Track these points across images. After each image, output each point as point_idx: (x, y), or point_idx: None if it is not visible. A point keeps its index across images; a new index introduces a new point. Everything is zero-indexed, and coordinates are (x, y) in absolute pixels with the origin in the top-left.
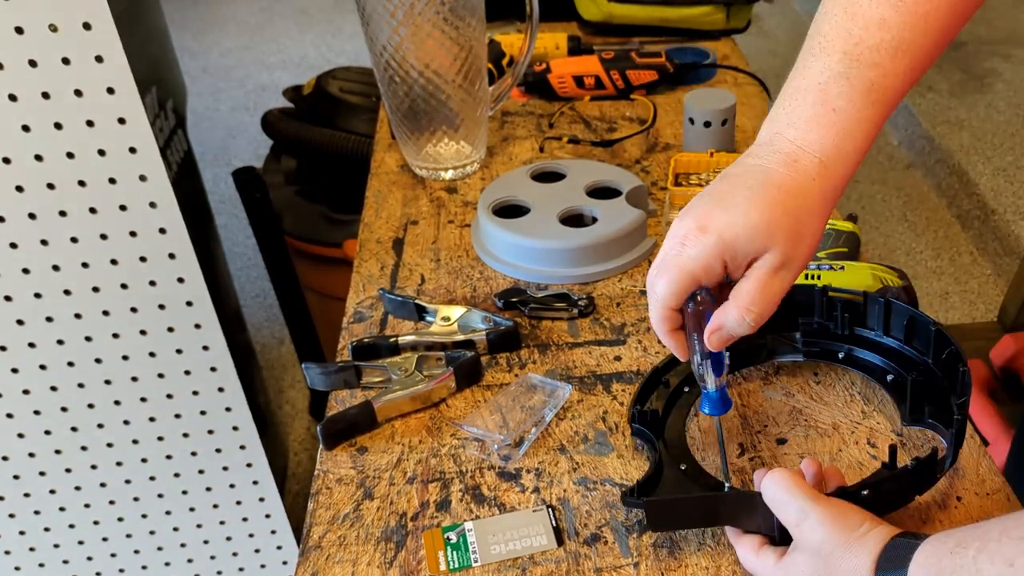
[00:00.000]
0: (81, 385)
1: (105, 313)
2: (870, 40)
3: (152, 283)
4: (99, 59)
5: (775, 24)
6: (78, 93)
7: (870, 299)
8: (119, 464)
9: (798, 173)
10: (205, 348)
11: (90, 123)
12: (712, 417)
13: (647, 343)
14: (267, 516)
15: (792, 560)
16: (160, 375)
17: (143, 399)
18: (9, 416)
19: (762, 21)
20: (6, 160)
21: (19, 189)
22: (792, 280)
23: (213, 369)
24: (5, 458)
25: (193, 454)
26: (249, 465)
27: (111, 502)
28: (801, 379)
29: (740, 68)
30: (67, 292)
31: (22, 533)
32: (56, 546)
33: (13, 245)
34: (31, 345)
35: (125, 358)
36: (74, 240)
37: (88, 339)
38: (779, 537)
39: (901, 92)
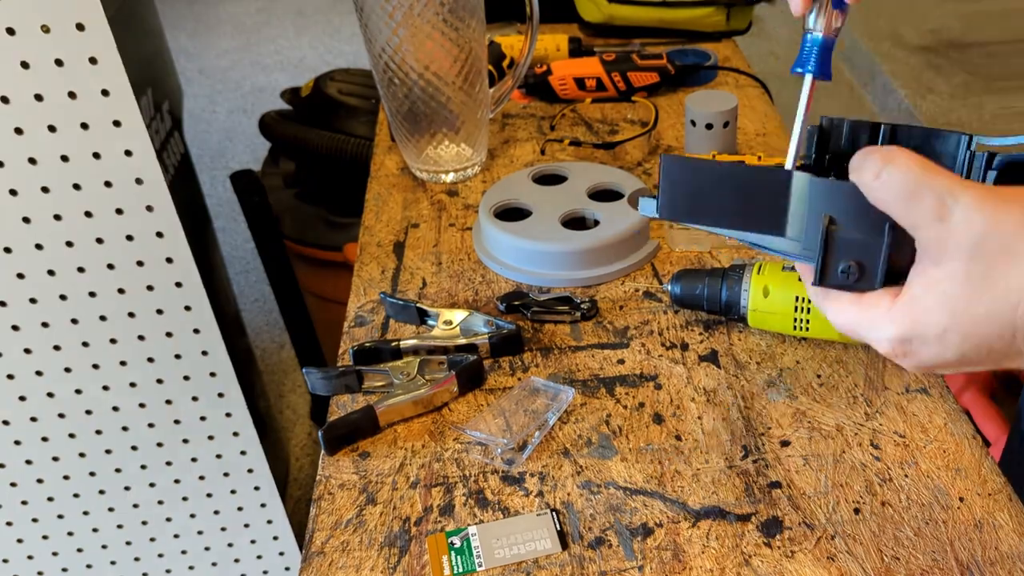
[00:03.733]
0: (78, 391)
1: (102, 318)
2: None
3: (150, 287)
4: (93, 60)
5: (776, 26)
6: (72, 95)
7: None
8: (118, 471)
9: None
10: (204, 353)
11: (84, 126)
12: (804, 79)
13: (650, 346)
14: (269, 522)
15: (927, 282)
16: (159, 380)
17: (141, 405)
18: (5, 423)
19: (763, 23)
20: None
21: (13, 193)
22: None
23: (212, 374)
24: (1, 465)
25: (193, 460)
26: (250, 471)
27: (110, 509)
28: (804, 381)
29: (741, 70)
30: (63, 297)
31: (20, 541)
32: (55, 554)
33: (7, 250)
34: (27, 351)
35: (123, 363)
36: (69, 244)
37: (85, 344)
38: (822, 267)
39: None
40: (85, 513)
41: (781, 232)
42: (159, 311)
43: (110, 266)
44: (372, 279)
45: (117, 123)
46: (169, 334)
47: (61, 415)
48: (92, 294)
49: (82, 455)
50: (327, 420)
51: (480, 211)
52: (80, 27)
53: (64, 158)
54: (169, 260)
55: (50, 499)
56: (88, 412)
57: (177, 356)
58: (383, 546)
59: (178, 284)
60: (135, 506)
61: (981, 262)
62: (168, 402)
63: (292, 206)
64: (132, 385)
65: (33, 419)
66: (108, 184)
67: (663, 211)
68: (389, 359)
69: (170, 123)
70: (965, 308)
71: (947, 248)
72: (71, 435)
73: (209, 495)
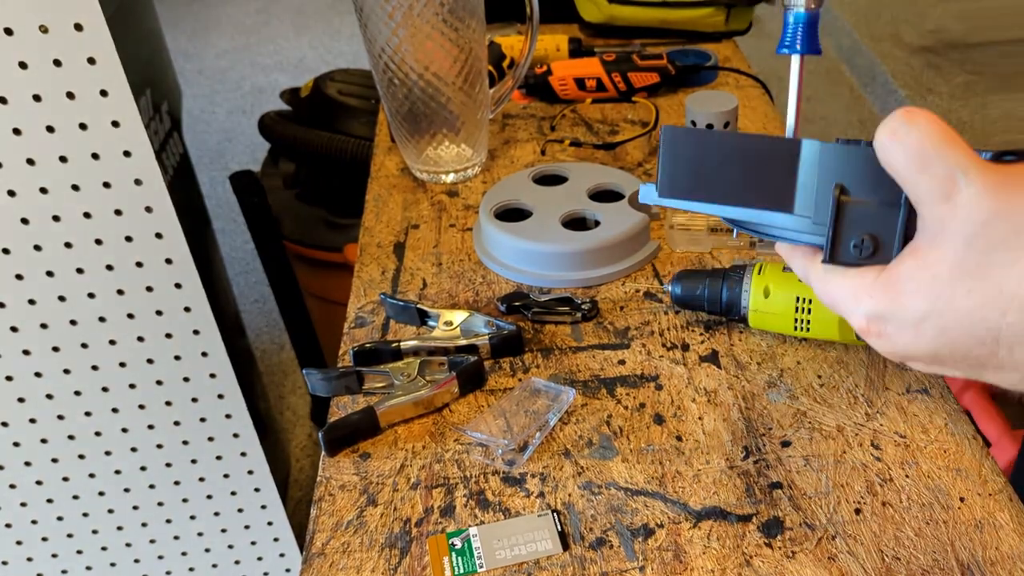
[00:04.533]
0: (78, 393)
1: (101, 319)
2: None
3: (149, 289)
4: (91, 61)
5: (777, 26)
6: (70, 96)
7: None
8: (117, 472)
9: None
10: (204, 354)
11: (83, 126)
12: (791, 59)
13: (651, 347)
14: (269, 524)
15: (917, 262)
16: (158, 382)
17: (141, 406)
18: (4, 424)
19: (763, 23)
20: None
21: (11, 194)
22: None
23: (212, 375)
24: (1, 467)
25: (193, 461)
26: (250, 472)
27: (110, 511)
28: (805, 381)
29: (742, 70)
30: (62, 298)
31: (19, 543)
32: (54, 556)
33: (6, 251)
34: (26, 352)
35: (122, 365)
36: (68, 245)
37: (84, 346)
38: (832, 241)
39: None
40: (85, 515)
41: (789, 208)
42: (158, 312)
43: (109, 267)
44: (372, 280)
45: (116, 124)
46: (169, 335)
47: (60, 417)
48: (91, 295)
49: (81, 457)
50: (327, 421)
51: (480, 212)
52: (78, 27)
53: (63, 159)
54: (168, 261)
55: (49, 501)
56: (87, 414)
57: (177, 357)
58: (384, 547)
59: (177, 285)
60: (135, 508)
61: (978, 252)
62: (168, 403)
63: (292, 207)
64: (131, 386)
65: (32, 421)
66: (107, 185)
67: (663, 189)
68: (389, 360)
69: (169, 124)
70: (950, 298)
71: (946, 230)
72: (70, 437)
73: (209, 497)
